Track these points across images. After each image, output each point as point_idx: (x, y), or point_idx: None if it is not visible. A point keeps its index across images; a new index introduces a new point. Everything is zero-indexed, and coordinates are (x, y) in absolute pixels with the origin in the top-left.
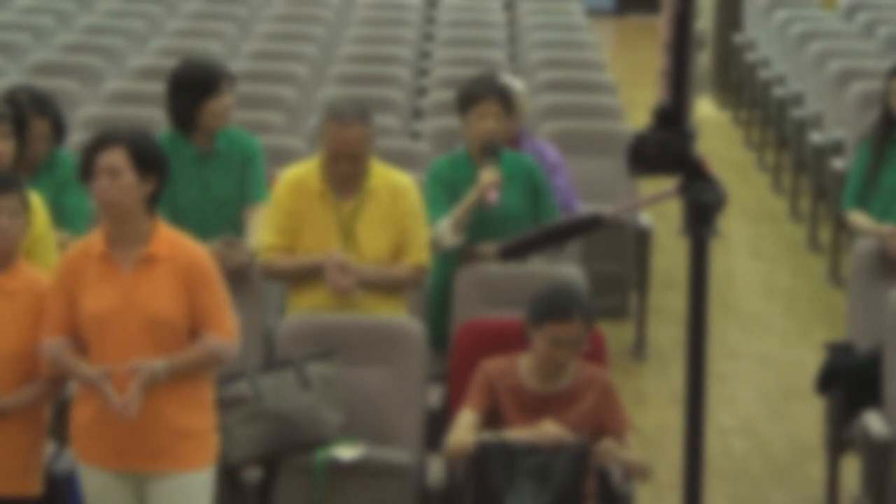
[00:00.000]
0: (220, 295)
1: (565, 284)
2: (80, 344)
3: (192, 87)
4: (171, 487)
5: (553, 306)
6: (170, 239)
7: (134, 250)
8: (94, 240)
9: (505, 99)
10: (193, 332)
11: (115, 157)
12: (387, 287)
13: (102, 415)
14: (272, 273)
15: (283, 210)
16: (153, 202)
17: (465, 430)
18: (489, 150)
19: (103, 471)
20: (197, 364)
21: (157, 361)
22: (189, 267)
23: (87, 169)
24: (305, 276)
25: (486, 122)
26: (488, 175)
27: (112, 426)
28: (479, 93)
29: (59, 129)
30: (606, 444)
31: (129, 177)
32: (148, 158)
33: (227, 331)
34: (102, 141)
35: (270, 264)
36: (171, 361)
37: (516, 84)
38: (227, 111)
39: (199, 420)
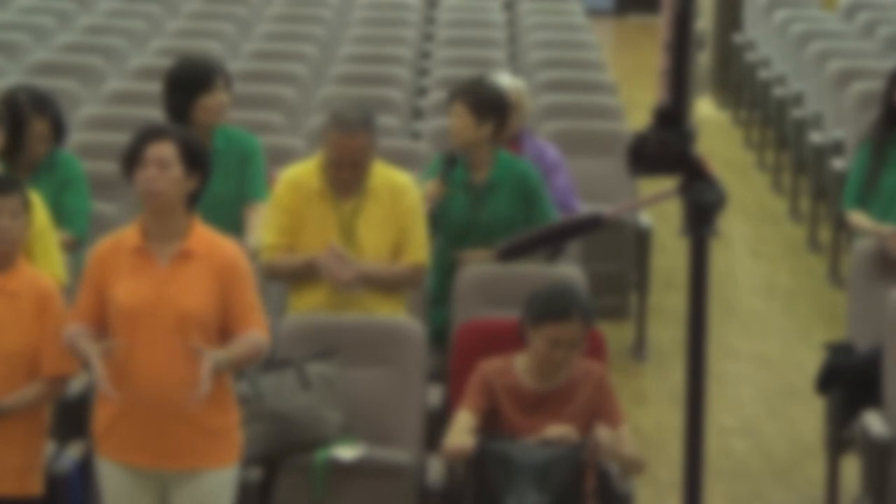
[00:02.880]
0: (254, 295)
1: (563, 284)
2: (102, 335)
3: (186, 83)
4: (195, 485)
5: (552, 307)
6: (206, 236)
7: (170, 245)
8: (128, 233)
9: (475, 102)
10: (222, 331)
11: (165, 150)
12: (385, 284)
13: (127, 411)
14: (274, 272)
15: (284, 209)
16: (194, 201)
17: (462, 432)
18: (448, 159)
19: (125, 468)
20: (246, 359)
21: (220, 352)
22: (225, 265)
23: (132, 158)
24: (307, 275)
25: (451, 119)
26: (430, 185)
27: (136, 423)
28: (453, 93)
29: (58, 130)
30: (601, 434)
31: (176, 170)
32: (195, 156)
33: (264, 329)
34: (153, 133)
35: (272, 264)
36: (230, 353)
37: (517, 83)
38: (222, 107)
39: (224, 418)
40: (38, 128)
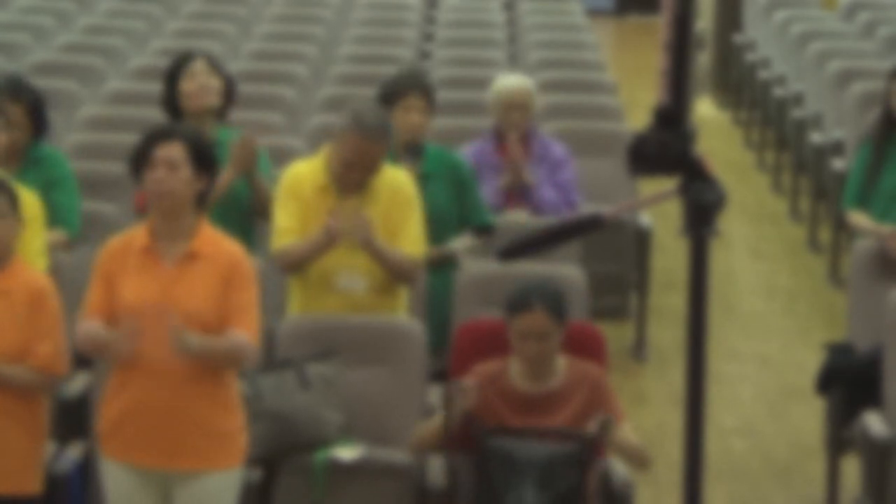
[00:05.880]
0: (251, 298)
1: (530, 280)
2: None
3: (166, 74)
4: (198, 487)
5: (513, 301)
6: (213, 237)
7: (178, 246)
8: (137, 232)
9: (428, 94)
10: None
11: (175, 151)
12: (386, 263)
13: (132, 412)
14: (289, 257)
15: (291, 197)
16: (202, 201)
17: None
18: (412, 149)
19: (128, 468)
20: (220, 355)
21: (196, 335)
22: (229, 265)
23: (141, 159)
24: (322, 250)
25: (412, 115)
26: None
27: (141, 423)
28: (404, 87)
29: (37, 121)
30: (604, 419)
31: (185, 171)
32: (204, 156)
33: (252, 332)
34: (161, 133)
35: (287, 250)
36: (205, 341)
37: (526, 82)
38: (203, 92)
39: (228, 420)
40: (12, 113)
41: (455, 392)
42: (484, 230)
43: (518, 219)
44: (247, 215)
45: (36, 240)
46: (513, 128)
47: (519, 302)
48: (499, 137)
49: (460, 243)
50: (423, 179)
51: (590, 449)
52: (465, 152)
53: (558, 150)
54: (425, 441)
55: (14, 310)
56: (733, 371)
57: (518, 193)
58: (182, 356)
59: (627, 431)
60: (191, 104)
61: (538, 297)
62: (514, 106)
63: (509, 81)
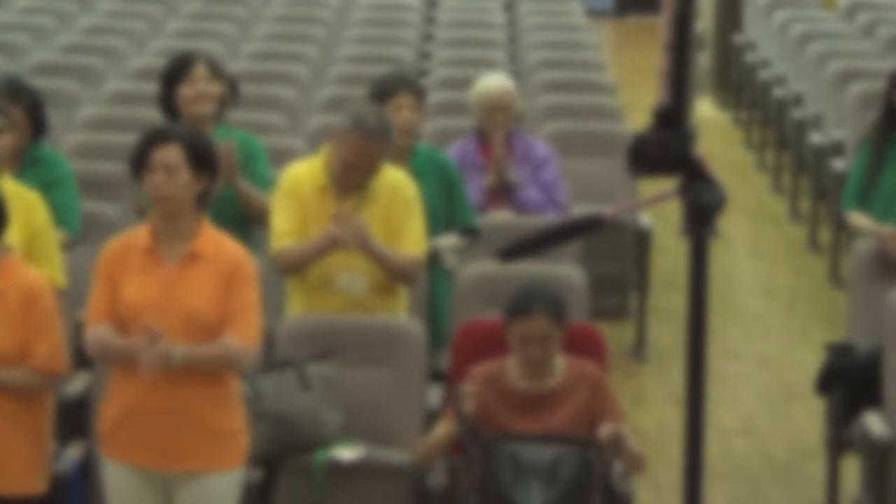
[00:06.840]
0: (252, 300)
1: (530, 282)
2: (121, 333)
3: (165, 76)
4: (199, 487)
5: (515, 304)
6: (214, 238)
7: (179, 246)
8: (139, 233)
9: (418, 92)
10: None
11: (172, 154)
12: (386, 265)
13: (133, 412)
14: (287, 260)
15: (290, 197)
16: (203, 201)
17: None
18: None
19: (129, 469)
20: (211, 362)
21: (177, 347)
22: (231, 266)
23: (139, 162)
24: (321, 255)
25: (403, 113)
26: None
27: (142, 424)
28: (394, 86)
29: (37, 122)
30: (604, 431)
31: (184, 174)
32: (202, 157)
33: (247, 336)
34: (159, 136)
35: (286, 253)
36: (188, 351)
37: (508, 83)
38: (203, 98)
39: (229, 420)
40: (12, 116)
41: (458, 396)
42: (469, 232)
43: (502, 219)
44: (242, 217)
45: (54, 256)
46: (497, 128)
47: (519, 306)
48: (481, 137)
49: (446, 242)
50: (413, 178)
51: (595, 450)
52: (448, 152)
53: (541, 149)
54: (433, 449)
55: (7, 310)
56: (733, 371)
57: (502, 193)
58: (167, 368)
59: (626, 434)
60: (187, 110)
61: (539, 300)
62: (498, 107)
63: (492, 83)
